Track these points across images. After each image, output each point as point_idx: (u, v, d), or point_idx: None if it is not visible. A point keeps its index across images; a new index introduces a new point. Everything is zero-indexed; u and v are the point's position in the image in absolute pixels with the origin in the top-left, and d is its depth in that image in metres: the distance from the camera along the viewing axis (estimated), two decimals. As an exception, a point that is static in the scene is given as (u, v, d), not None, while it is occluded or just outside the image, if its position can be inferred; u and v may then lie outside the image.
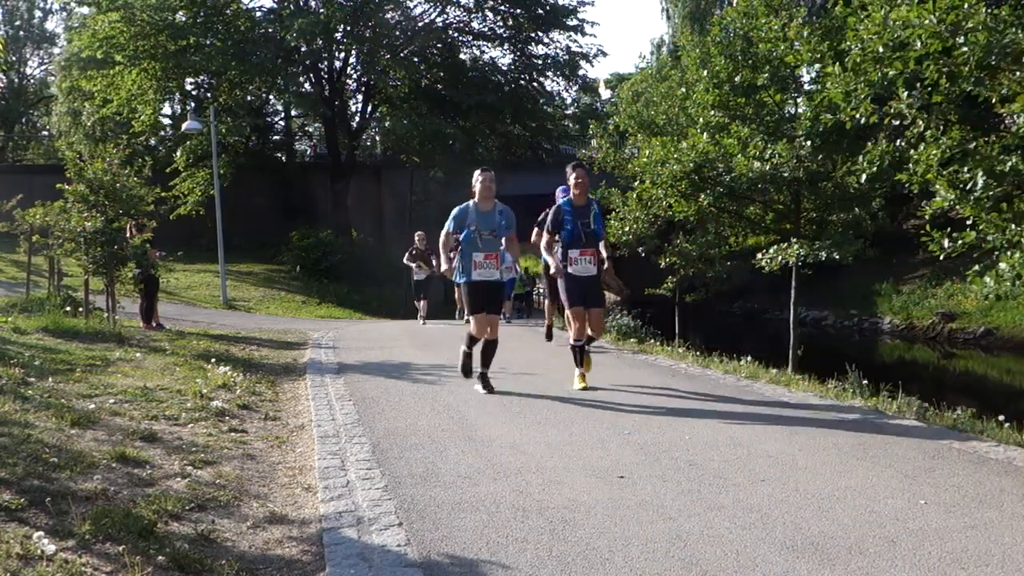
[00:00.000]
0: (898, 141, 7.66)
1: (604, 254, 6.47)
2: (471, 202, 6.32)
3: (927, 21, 6.11)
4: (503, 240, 6.39)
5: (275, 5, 26.05)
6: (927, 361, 17.98)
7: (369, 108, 28.64)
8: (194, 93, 28.07)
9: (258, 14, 26.09)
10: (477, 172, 6.39)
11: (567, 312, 6.71)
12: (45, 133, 40.54)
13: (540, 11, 26.71)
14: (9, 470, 3.71)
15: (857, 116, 7.15)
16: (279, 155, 32.04)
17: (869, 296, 22.30)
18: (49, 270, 12.25)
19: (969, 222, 6.47)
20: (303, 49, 25.11)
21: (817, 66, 9.09)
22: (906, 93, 6.68)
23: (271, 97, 28.06)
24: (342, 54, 26.42)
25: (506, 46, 28.17)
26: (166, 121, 29.01)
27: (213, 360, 7.84)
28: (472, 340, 6.45)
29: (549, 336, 10.30)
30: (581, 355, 6.59)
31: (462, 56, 27.98)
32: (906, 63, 6.54)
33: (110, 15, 22.82)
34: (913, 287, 21.47)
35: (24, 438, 4.26)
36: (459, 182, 26.62)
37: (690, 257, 13.25)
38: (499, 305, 6.56)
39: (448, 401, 6.07)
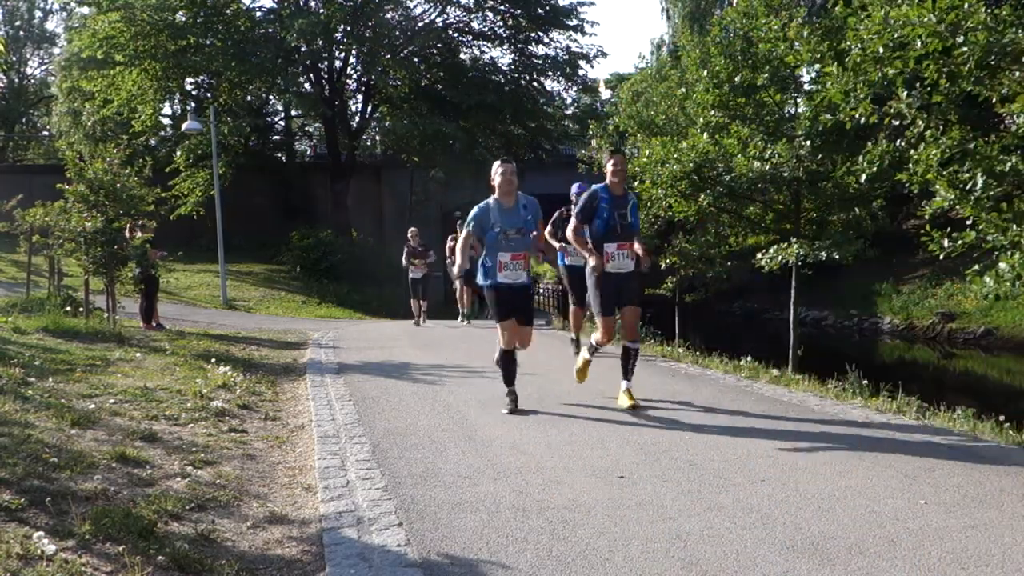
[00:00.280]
0: (898, 141, 7.66)
1: (641, 251, 5.82)
2: (491, 199, 5.68)
3: (927, 21, 6.11)
4: (532, 236, 5.75)
5: (275, 5, 26.05)
6: (927, 361, 17.98)
7: (369, 108, 28.64)
8: (194, 93, 28.08)
9: (258, 14, 26.10)
10: (496, 164, 5.70)
11: (597, 317, 5.92)
12: (45, 133, 40.54)
13: (540, 11, 26.71)
14: (9, 470, 3.71)
15: (857, 116, 7.15)
16: (279, 155, 32.05)
17: (869, 296, 22.30)
18: (49, 270, 12.26)
19: (969, 222, 6.47)
20: (303, 49, 25.11)
21: (817, 66, 9.08)
22: (906, 93, 6.69)
23: (271, 97, 28.07)
24: (342, 54, 26.41)
25: (506, 46, 28.16)
26: (166, 121, 29.03)
27: (213, 360, 7.85)
28: (505, 355, 5.73)
29: (579, 347, 9.34)
30: (584, 354, 6.13)
31: (462, 56, 27.98)
32: (906, 63, 6.54)
33: (110, 15, 22.83)
34: (913, 287, 21.47)
35: (24, 438, 4.26)
36: (459, 183, 26.76)
37: (690, 257, 13.26)
38: (530, 312, 5.88)
39: (448, 401, 6.07)
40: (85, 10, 27.07)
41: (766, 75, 10.69)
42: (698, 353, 9.25)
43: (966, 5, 6.03)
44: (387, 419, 5.46)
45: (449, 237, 13.52)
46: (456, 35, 27.72)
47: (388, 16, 25.68)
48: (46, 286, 12.45)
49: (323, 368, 8.02)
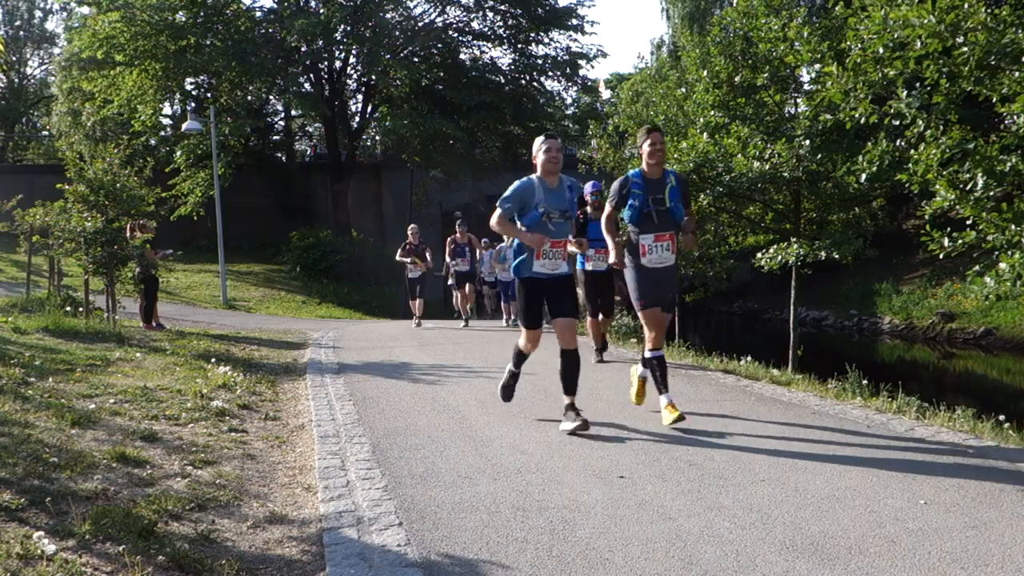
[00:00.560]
0: (898, 141, 7.66)
1: (689, 238, 5.19)
2: (534, 176, 5.01)
3: (927, 21, 6.11)
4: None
5: (275, 5, 26.05)
6: (927, 361, 17.98)
7: (369, 108, 28.65)
8: (194, 93, 28.10)
9: (258, 14, 26.10)
10: (540, 140, 5.05)
11: (640, 312, 5.23)
12: (45, 133, 40.54)
13: (540, 11, 26.72)
14: (9, 470, 3.71)
15: (857, 116, 7.16)
16: (279, 155, 32.07)
17: (869, 296, 22.31)
18: (49, 270, 12.26)
19: (969, 222, 6.47)
20: (303, 49, 25.12)
21: (817, 66, 9.08)
22: (906, 93, 6.69)
23: (271, 97, 28.07)
24: (342, 54, 26.42)
25: (506, 46, 28.17)
26: (166, 121, 29.04)
27: (213, 360, 7.85)
28: (521, 357, 5.24)
29: (602, 355, 8.33)
30: (663, 372, 5.18)
31: (462, 56, 27.99)
32: (906, 63, 6.54)
33: (110, 15, 22.83)
34: (913, 287, 21.48)
35: (24, 438, 4.26)
36: (459, 183, 26.76)
37: (690, 257, 13.25)
38: (574, 305, 5.15)
39: (448, 401, 6.07)
40: (85, 10, 27.10)
41: (766, 75, 10.69)
42: (698, 353, 9.24)
43: (966, 5, 6.03)
44: (387, 419, 5.46)
45: (449, 239, 13.31)
46: (456, 35, 27.73)
47: (388, 16, 25.69)
48: (46, 286, 12.46)
49: (323, 368, 8.02)
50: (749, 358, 8.28)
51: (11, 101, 40.43)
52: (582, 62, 27.69)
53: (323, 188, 28.37)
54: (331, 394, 6.46)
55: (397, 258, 13.28)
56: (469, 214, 14.20)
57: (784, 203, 11.90)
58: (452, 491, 3.80)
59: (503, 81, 27.56)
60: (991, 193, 6.23)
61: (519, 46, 27.92)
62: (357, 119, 28.79)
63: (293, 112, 30.06)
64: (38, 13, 42.32)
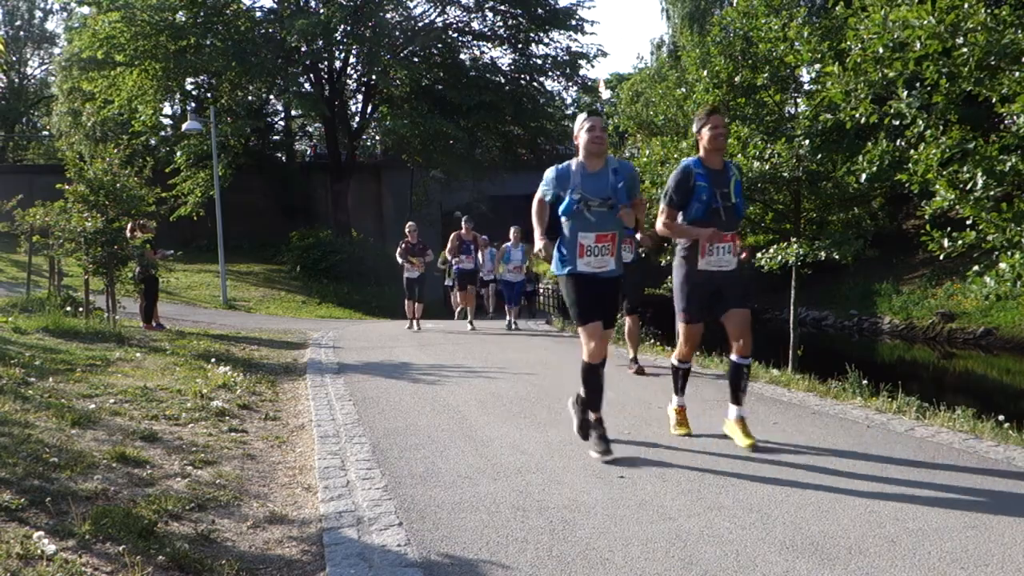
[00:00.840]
0: (898, 141, 7.67)
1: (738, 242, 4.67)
2: (574, 160, 4.44)
3: (927, 22, 6.11)
4: (624, 212, 4.37)
5: (275, 5, 26.07)
6: (927, 361, 17.99)
7: (369, 108, 28.66)
8: (194, 93, 28.11)
9: (258, 14, 26.12)
10: (581, 117, 4.44)
11: (680, 325, 4.75)
12: (45, 133, 40.55)
13: (540, 11, 26.72)
14: (9, 470, 3.71)
15: (857, 116, 7.16)
16: (279, 155, 32.07)
17: (869, 296, 22.31)
18: (49, 270, 12.26)
19: (969, 222, 6.48)
20: (303, 49, 25.13)
21: (817, 66, 9.08)
22: (906, 93, 6.69)
23: (271, 97, 28.08)
24: (342, 54, 26.43)
25: (506, 46, 28.19)
26: (166, 121, 29.05)
27: (213, 360, 7.85)
28: (590, 370, 4.45)
29: (637, 362, 7.73)
30: (683, 381, 4.87)
31: (462, 56, 28.00)
32: (906, 63, 6.55)
33: (110, 15, 22.85)
34: (913, 287, 21.48)
35: (24, 438, 4.26)
36: (459, 183, 26.75)
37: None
38: (614, 311, 4.61)
39: (448, 401, 6.07)
40: (85, 10, 27.13)
41: (766, 75, 10.69)
42: (697, 353, 9.23)
43: (966, 6, 6.04)
44: (387, 419, 5.46)
45: (453, 235, 12.54)
46: (456, 35, 27.74)
47: (388, 16, 25.70)
48: (46, 286, 12.46)
49: (323, 368, 8.02)
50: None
51: (11, 101, 40.45)
52: (582, 62, 27.71)
53: (323, 188, 28.37)
54: (331, 394, 6.46)
55: (397, 256, 12.54)
56: (470, 214, 13.69)
57: (784, 203, 11.90)
58: (452, 491, 3.80)
59: (503, 81, 27.57)
60: (991, 193, 6.23)
61: (519, 46, 27.94)
62: (357, 119, 28.81)
63: (293, 112, 30.08)
64: (38, 13, 42.38)
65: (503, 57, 28.80)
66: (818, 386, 6.77)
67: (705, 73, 11.36)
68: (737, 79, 10.95)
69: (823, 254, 10.19)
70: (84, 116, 25.89)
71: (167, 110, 29.88)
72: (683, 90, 13.42)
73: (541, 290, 33.31)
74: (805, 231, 11.43)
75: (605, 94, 38.10)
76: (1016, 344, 17.36)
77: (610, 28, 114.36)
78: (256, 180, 27.28)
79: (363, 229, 27.76)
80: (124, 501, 3.55)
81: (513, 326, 12.24)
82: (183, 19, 23.70)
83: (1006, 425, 5.16)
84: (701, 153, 4.59)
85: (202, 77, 26.49)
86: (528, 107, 27.31)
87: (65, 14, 37.52)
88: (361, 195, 28.47)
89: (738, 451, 4.46)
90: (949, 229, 6.47)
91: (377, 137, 31.92)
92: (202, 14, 23.94)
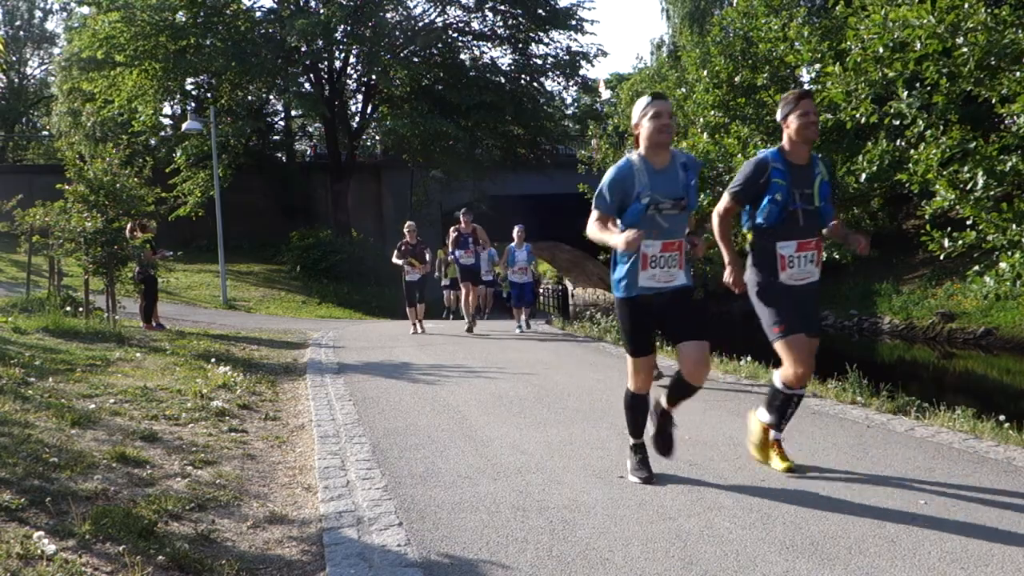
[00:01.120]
0: (898, 141, 7.67)
1: (860, 238, 3.96)
2: (635, 155, 3.69)
3: (927, 22, 6.12)
4: (698, 243, 3.86)
5: (275, 5, 26.06)
6: (927, 361, 17.98)
7: (369, 108, 28.66)
8: (194, 93, 28.10)
9: (258, 14, 26.09)
10: (643, 101, 3.68)
11: (778, 344, 3.88)
12: (45, 133, 40.55)
13: (540, 11, 26.73)
14: (9, 470, 3.71)
15: (857, 116, 7.16)
16: (279, 155, 32.06)
17: (869, 296, 22.30)
18: (49, 270, 12.26)
19: (969, 222, 6.48)
20: (303, 49, 25.12)
21: (817, 66, 9.09)
22: (906, 93, 6.70)
23: (271, 97, 28.08)
24: (342, 54, 26.43)
25: (506, 46, 28.19)
26: (166, 121, 29.05)
27: (213, 360, 7.85)
28: (635, 399, 3.87)
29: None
30: (789, 410, 4.00)
31: (462, 56, 28.01)
32: (906, 63, 6.56)
33: (110, 15, 22.85)
34: (913, 287, 21.47)
35: (24, 438, 4.26)
36: (459, 183, 26.75)
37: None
38: (699, 320, 3.80)
39: (448, 401, 6.07)
40: (85, 10, 27.13)
41: (766, 75, 10.71)
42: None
43: (966, 5, 6.04)
44: (387, 419, 5.46)
45: (452, 228, 11.81)
46: (456, 35, 27.74)
47: (388, 16, 25.70)
48: (46, 286, 12.45)
49: (323, 368, 8.02)
50: (749, 358, 8.28)
51: (11, 101, 40.44)
52: (582, 62, 27.71)
53: (323, 188, 28.37)
54: (331, 394, 6.46)
55: (393, 259, 11.78)
56: (468, 207, 13.07)
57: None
58: (452, 491, 3.80)
59: (503, 81, 27.57)
60: (991, 193, 6.24)
61: (519, 46, 27.94)
62: (357, 119, 28.80)
63: (293, 112, 30.07)
64: (38, 13, 42.35)
65: (503, 57, 28.88)
66: (818, 386, 6.77)
67: (705, 73, 11.38)
68: (737, 79, 10.98)
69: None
70: (84, 116, 25.89)
71: (167, 110, 29.90)
72: (683, 90, 13.44)
73: (541, 290, 33.33)
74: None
75: (605, 94, 38.13)
76: (1016, 344, 17.35)
77: (610, 28, 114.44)
78: (256, 180, 27.28)
79: (363, 229, 27.76)
80: (124, 501, 3.55)
81: (524, 329, 11.55)
82: (183, 19, 23.70)
83: (1006, 425, 5.15)
84: (784, 143, 3.88)
85: (202, 77, 26.47)
86: (528, 107, 27.32)
87: (65, 14, 37.54)
88: (361, 195, 28.47)
89: (737, 451, 4.45)
90: (949, 229, 6.47)
91: (377, 137, 31.90)
92: (202, 14, 23.94)
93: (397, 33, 25.92)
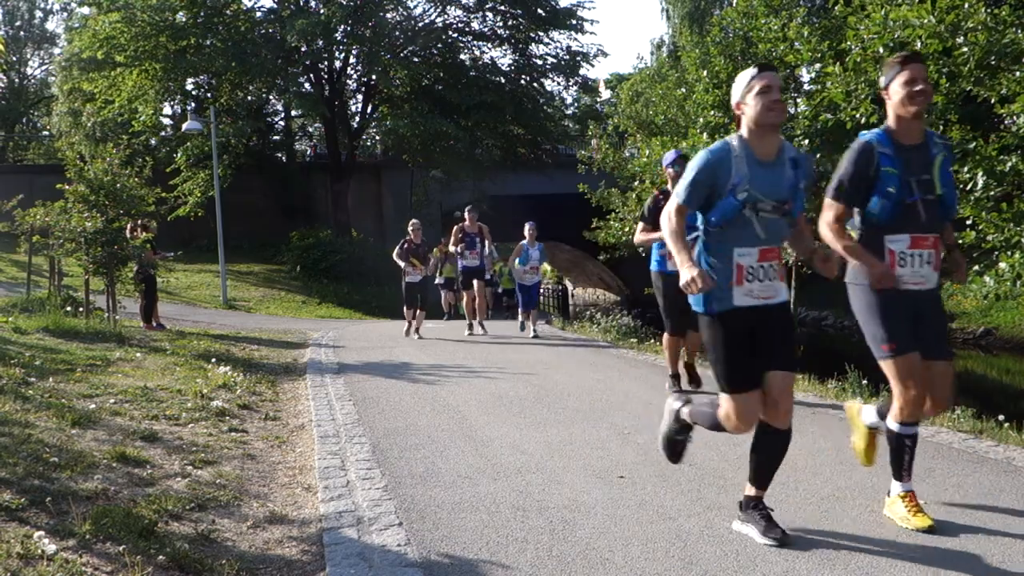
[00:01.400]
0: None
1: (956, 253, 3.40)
2: (734, 139, 3.06)
3: (927, 21, 6.12)
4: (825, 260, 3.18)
5: (275, 5, 26.06)
6: (927, 361, 17.95)
7: (369, 108, 28.66)
8: (194, 93, 28.09)
9: (258, 14, 26.09)
10: (748, 74, 3.04)
11: (888, 363, 3.17)
12: (46, 133, 40.55)
13: (540, 11, 26.73)
14: (9, 470, 3.71)
15: (857, 116, 7.16)
16: (279, 155, 32.05)
17: (869, 296, 22.28)
18: (49, 270, 12.26)
19: (969, 222, 6.48)
20: (303, 49, 25.12)
21: (817, 66, 9.09)
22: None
23: (271, 97, 28.07)
24: (342, 54, 26.42)
25: (506, 46, 28.19)
26: (166, 121, 29.05)
27: (213, 360, 7.85)
28: (717, 428, 3.20)
29: (678, 384, 6.30)
30: (910, 455, 3.24)
31: (462, 56, 28.00)
32: (906, 63, 6.54)
33: (110, 15, 22.84)
34: (913, 287, 21.45)
35: (24, 438, 4.26)
36: (459, 183, 26.75)
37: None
38: (790, 348, 3.15)
39: (448, 401, 6.07)
40: (85, 10, 27.11)
41: (765, 75, 10.69)
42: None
43: (966, 5, 6.04)
44: (387, 419, 5.46)
45: (456, 228, 11.14)
46: (456, 35, 27.74)
47: (388, 16, 25.69)
48: (46, 286, 12.45)
49: (323, 368, 8.02)
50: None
51: (11, 101, 40.42)
52: (582, 62, 27.71)
53: (323, 188, 28.35)
54: (331, 394, 6.46)
55: (394, 256, 11.10)
56: (473, 205, 11.87)
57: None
58: (452, 491, 3.80)
59: (503, 81, 27.57)
60: (991, 193, 6.24)
61: (519, 46, 27.93)
62: (357, 119, 28.80)
63: (293, 112, 30.06)
64: (38, 13, 42.32)
65: (503, 57, 28.82)
66: (818, 386, 6.77)
67: (705, 73, 11.37)
68: (737, 79, 10.96)
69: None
70: (84, 116, 25.88)
71: (167, 110, 29.90)
72: (683, 90, 13.43)
73: (541, 291, 33.29)
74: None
75: (605, 94, 38.15)
76: (1016, 344, 17.36)
77: (610, 28, 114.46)
78: (256, 180, 27.27)
79: (363, 229, 27.76)
80: (124, 501, 3.56)
81: (533, 333, 10.65)
82: (183, 19, 23.69)
83: (1006, 425, 5.15)
84: (890, 121, 3.16)
85: (202, 77, 26.45)
86: (528, 107, 27.31)
87: (65, 14, 37.51)
88: (361, 195, 28.46)
89: (737, 451, 4.45)
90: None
91: (377, 137, 31.90)
92: (202, 14, 23.93)
93: (397, 33, 25.92)
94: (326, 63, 26.69)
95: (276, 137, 32.16)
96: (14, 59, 39.56)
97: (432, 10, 27.33)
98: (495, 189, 27.23)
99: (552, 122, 28.67)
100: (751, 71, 3.04)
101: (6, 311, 10.54)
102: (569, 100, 32.96)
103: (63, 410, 4.97)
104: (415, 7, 27.52)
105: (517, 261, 10.63)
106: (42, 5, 42.28)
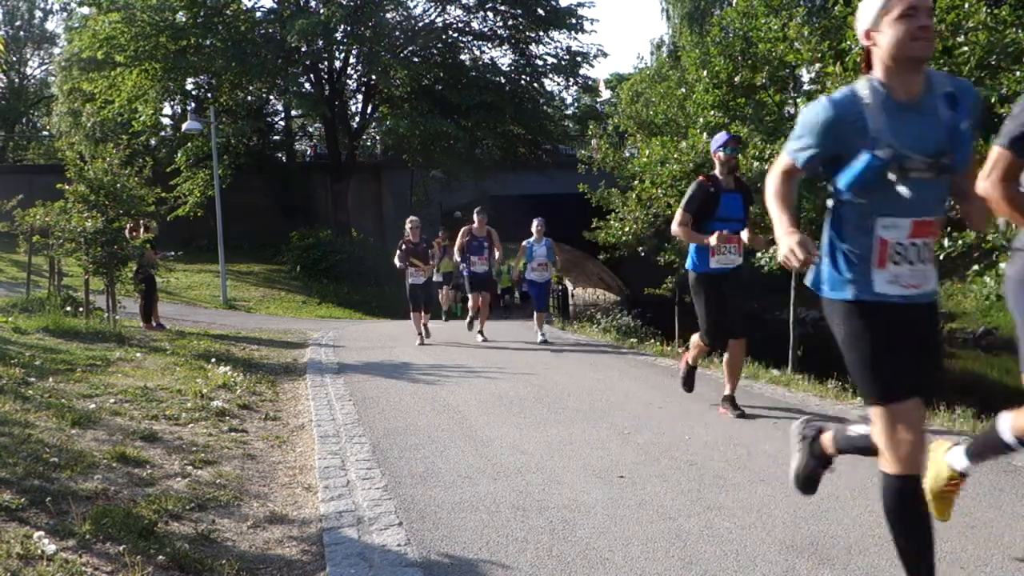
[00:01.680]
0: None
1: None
2: (863, 85, 2.34)
3: (927, 21, 6.12)
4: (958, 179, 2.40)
5: (275, 5, 26.06)
6: (927, 361, 17.95)
7: (369, 108, 28.66)
8: (194, 93, 28.09)
9: (258, 14, 26.09)
10: None
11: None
12: (45, 133, 40.54)
13: (540, 11, 26.73)
14: (9, 470, 3.71)
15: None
16: (279, 155, 32.05)
17: (869, 296, 22.27)
18: (49, 270, 12.25)
19: (969, 222, 6.46)
20: (303, 49, 25.12)
21: (817, 66, 9.09)
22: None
23: (271, 97, 28.08)
24: (342, 54, 26.43)
25: (506, 46, 28.20)
26: (166, 121, 29.05)
27: (213, 360, 7.85)
28: (903, 494, 2.36)
29: (689, 384, 5.88)
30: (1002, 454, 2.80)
31: (462, 56, 28.01)
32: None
33: (110, 15, 22.85)
34: (913, 287, 21.46)
35: (24, 438, 4.26)
36: (459, 183, 26.76)
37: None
38: (937, 363, 2.56)
39: (448, 401, 6.07)
40: (85, 10, 27.09)
41: (765, 75, 10.69)
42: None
43: (966, 5, 6.04)
44: (387, 419, 5.46)
45: (463, 230, 10.60)
46: (456, 35, 27.74)
47: (388, 16, 25.70)
48: (46, 286, 12.45)
49: (323, 368, 8.02)
50: (748, 358, 8.27)
51: (11, 101, 40.43)
52: (582, 62, 27.71)
53: (323, 188, 28.36)
54: (331, 394, 6.46)
55: (395, 262, 10.47)
56: (482, 207, 11.14)
57: (784, 203, 11.87)
58: (452, 491, 3.80)
59: (503, 81, 27.57)
60: (991, 193, 6.23)
61: (519, 46, 27.94)
62: (357, 119, 28.80)
63: (293, 112, 30.06)
64: (38, 13, 42.32)
65: (503, 57, 28.83)
66: (819, 387, 6.77)
67: (705, 73, 11.36)
68: (737, 79, 10.96)
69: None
70: (84, 116, 25.89)
71: (167, 110, 29.90)
72: (683, 90, 13.43)
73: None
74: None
75: (605, 94, 38.15)
76: (1016, 344, 17.36)
77: (610, 28, 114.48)
78: (256, 180, 27.27)
79: (363, 229, 27.76)
80: (124, 501, 3.56)
81: (541, 338, 9.99)
82: (183, 19, 23.69)
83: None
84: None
85: (202, 77, 26.46)
86: (528, 107, 27.31)
87: (65, 14, 37.47)
88: (361, 195, 28.46)
89: (737, 451, 4.45)
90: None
91: (377, 137, 31.91)
92: (202, 14, 23.93)
93: (397, 33, 25.92)
94: (326, 63, 26.69)
95: (276, 137, 32.15)
96: (14, 59, 39.57)
97: (432, 10, 27.35)
98: (495, 189, 27.22)
99: (552, 122, 28.67)
100: None
101: (6, 311, 10.54)
102: (569, 100, 33.00)
103: (63, 410, 4.97)
104: (415, 7, 27.59)
105: (523, 263, 10.35)
106: (42, 5, 42.31)
